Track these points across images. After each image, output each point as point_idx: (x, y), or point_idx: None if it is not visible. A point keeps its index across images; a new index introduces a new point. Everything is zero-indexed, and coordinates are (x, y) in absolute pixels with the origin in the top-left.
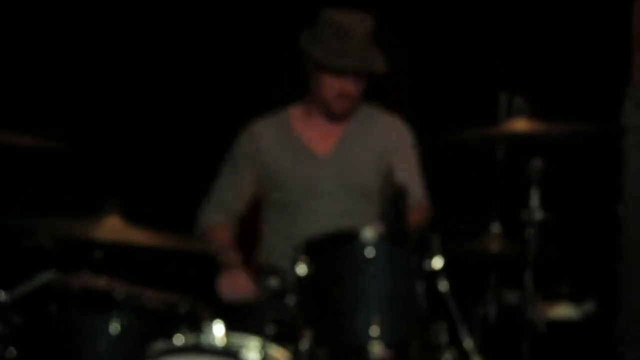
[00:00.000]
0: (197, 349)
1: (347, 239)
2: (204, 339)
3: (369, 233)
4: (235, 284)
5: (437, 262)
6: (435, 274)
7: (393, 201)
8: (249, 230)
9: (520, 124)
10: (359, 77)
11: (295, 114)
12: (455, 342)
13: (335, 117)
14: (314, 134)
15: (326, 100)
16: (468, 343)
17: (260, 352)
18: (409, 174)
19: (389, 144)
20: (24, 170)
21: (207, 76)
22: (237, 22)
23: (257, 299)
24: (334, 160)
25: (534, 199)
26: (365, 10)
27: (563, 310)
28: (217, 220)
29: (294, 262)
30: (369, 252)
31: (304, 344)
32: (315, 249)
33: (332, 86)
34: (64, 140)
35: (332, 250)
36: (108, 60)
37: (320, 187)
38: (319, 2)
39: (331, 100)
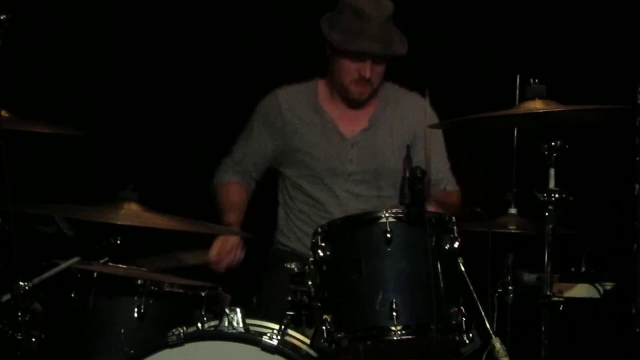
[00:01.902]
0: (218, 334)
1: (365, 222)
2: (224, 324)
3: (386, 215)
4: (222, 248)
5: (455, 243)
6: (453, 254)
7: (411, 182)
8: (266, 213)
9: (537, 106)
10: (378, 61)
11: (324, 90)
12: (474, 322)
13: (353, 102)
14: (341, 114)
15: (343, 85)
16: (486, 323)
17: (280, 337)
18: (437, 157)
19: (416, 126)
20: (43, 157)
21: (225, 61)
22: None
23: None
24: (361, 143)
25: (551, 179)
26: None
27: (581, 290)
28: (232, 179)
29: (312, 246)
30: (387, 234)
31: (324, 328)
32: (333, 232)
33: (350, 70)
34: (82, 127)
35: (350, 232)
36: (126, 48)
37: (345, 168)
38: None
39: (348, 84)
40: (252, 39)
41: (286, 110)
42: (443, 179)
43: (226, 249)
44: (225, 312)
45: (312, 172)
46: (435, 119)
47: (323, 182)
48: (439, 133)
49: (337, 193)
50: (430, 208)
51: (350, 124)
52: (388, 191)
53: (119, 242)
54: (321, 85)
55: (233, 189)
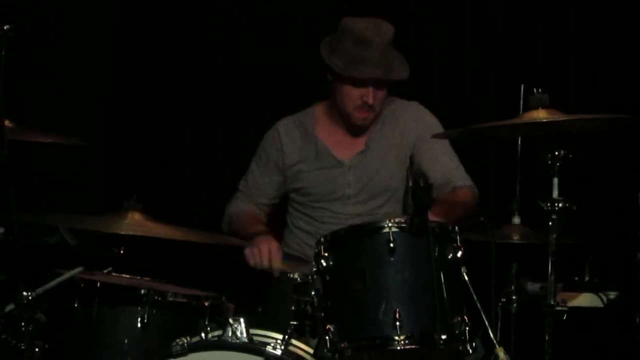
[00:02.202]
0: (221, 344)
1: (369, 231)
2: (227, 334)
3: (390, 224)
4: (261, 250)
5: (459, 252)
6: (457, 264)
7: (414, 192)
8: (271, 225)
9: (540, 115)
10: (380, 86)
11: (320, 116)
12: (478, 332)
13: (356, 128)
14: (338, 138)
15: (346, 111)
16: (490, 333)
17: (283, 347)
18: (442, 158)
19: (415, 137)
20: (46, 167)
21: (227, 69)
22: (258, 19)
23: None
24: (358, 165)
25: (555, 188)
26: (385, 8)
27: (584, 299)
28: (247, 208)
29: (315, 256)
30: (390, 244)
31: (327, 338)
32: (337, 242)
33: (352, 95)
34: (85, 137)
35: (354, 242)
36: (128, 58)
37: (342, 192)
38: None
39: (351, 110)
40: (255, 47)
41: (286, 145)
42: (450, 179)
43: (265, 252)
44: (229, 322)
45: (314, 199)
46: (434, 123)
47: (324, 206)
48: (443, 142)
49: (338, 215)
50: (434, 216)
51: (347, 148)
52: (391, 206)
53: (122, 252)
54: (317, 112)
55: (251, 214)
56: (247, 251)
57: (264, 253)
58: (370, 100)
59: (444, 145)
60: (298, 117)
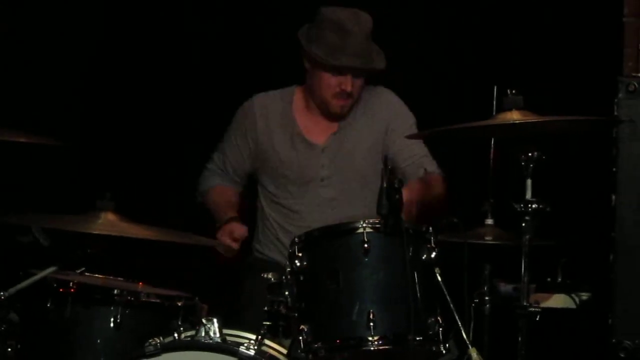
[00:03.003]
0: (194, 344)
1: (343, 232)
2: (200, 334)
3: (364, 225)
4: (231, 232)
5: (433, 253)
6: (431, 265)
7: (388, 193)
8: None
9: (514, 116)
10: (358, 75)
11: (298, 99)
12: (451, 332)
13: (334, 115)
14: (312, 122)
15: (324, 99)
16: (463, 333)
17: (257, 347)
18: (412, 146)
19: (387, 123)
20: (19, 167)
21: (203, 67)
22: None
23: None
24: (331, 147)
25: (528, 190)
26: (361, 6)
27: (557, 301)
28: (220, 182)
29: (289, 256)
30: (365, 244)
31: (301, 338)
32: (311, 242)
33: (331, 84)
34: (59, 136)
35: (328, 243)
36: (102, 57)
37: (315, 174)
38: None
39: (329, 98)
40: (229, 46)
41: (260, 118)
42: (422, 161)
43: (234, 235)
44: (202, 322)
45: (284, 180)
46: (407, 113)
47: (297, 189)
48: (411, 123)
49: (310, 199)
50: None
51: (320, 131)
52: (365, 193)
53: (95, 252)
54: (297, 94)
55: (225, 190)
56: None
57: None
58: (349, 88)
59: (412, 130)
60: (276, 94)
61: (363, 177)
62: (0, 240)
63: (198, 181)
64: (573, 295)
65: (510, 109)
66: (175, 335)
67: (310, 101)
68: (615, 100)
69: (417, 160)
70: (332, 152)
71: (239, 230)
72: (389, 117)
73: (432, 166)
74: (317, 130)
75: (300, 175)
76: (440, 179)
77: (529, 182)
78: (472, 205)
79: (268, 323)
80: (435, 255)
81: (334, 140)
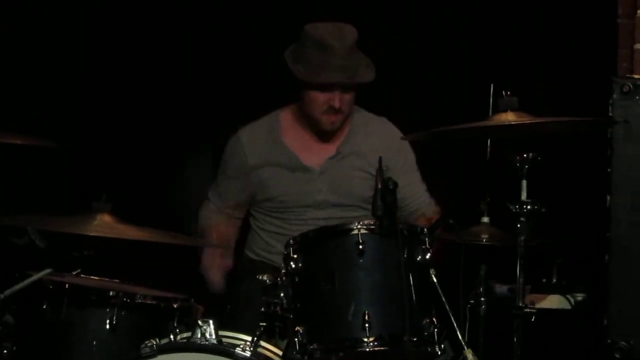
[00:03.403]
0: (190, 345)
1: (338, 233)
2: (196, 336)
3: (359, 226)
4: (211, 261)
5: (428, 254)
6: (425, 266)
7: (383, 194)
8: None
9: (509, 117)
10: (347, 90)
11: (286, 122)
12: (446, 333)
13: (325, 132)
14: (306, 144)
15: (314, 116)
16: (459, 334)
17: (252, 348)
18: (412, 184)
19: (390, 161)
20: (15, 169)
21: (200, 70)
22: (230, 21)
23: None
24: (329, 171)
25: (524, 190)
26: (355, 8)
27: (552, 301)
28: (217, 219)
29: (285, 257)
30: (359, 245)
31: (296, 340)
32: (305, 244)
33: (319, 101)
34: (55, 138)
35: (323, 244)
36: (100, 59)
37: (312, 198)
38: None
39: (319, 115)
40: (224, 52)
41: (249, 151)
42: (420, 205)
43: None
44: (198, 324)
45: (281, 206)
46: (406, 146)
47: (293, 214)
48: (411, 159)
49: (307, 220)
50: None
51: (316, 153)
52: (358, 214)
53: (91, 253)
54: (283, 117)
55: (222, 228)
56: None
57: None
58: (337, 104)
59: (414, 170)
60: (261, 124)
61: (360, 202)
62: None
63: (197, 214)
64: (568, 296)
65: (505, 110)
66: (171, 336)
67: (302, 121)
68: (610, 101)
69: (415, 205)
70: (329, 176)
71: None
72: (390, 152)
73: (429, 205)
74: (312, 154)
75: (296, 200)
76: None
77: (524, 182)
78: (467, 206)
79: (264, 324)
80: (430, 256)
81: (331, 164)
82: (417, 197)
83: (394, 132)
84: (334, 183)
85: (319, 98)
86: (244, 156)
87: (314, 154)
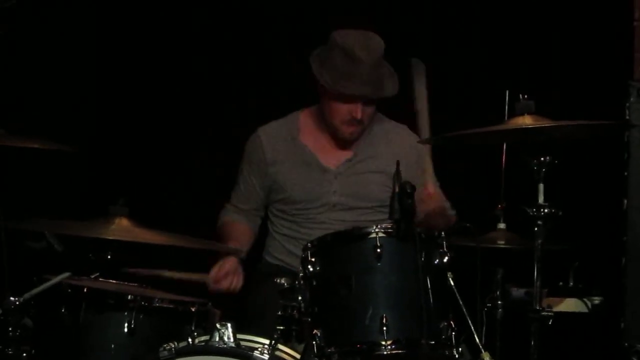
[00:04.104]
0: (208, 349)
1: (355, 237)
2: (214, 339)
3: (376, 230)
4: (220, 270)
5: (445, 258)
6: (443, 269)
7: (400, 197)
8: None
9: (526, 121)
10: (369, 103)
11: (305, 122)
12: (463, 337)
13: (343, 140)
14: (325, 146)
15: (334, 125)
16: (476, 338)
17: (270, 352)
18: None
19: (408, 163)
20: (32, 173)
21: (215, 73)
22: (247, 22)
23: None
24: (345, 173)
25: (540, 194)
26: (372, 15)
27: (569, 305)
28: (235, 218)
29: (302, 261)
30: (377, 249)
31: (314, 343)
32: (323, 248)
33: (341, 111)
34: (72, 142)
35: (340, 248)
36: (115, 63)
37: (327, 199)
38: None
39: (339, 124)
40: (242, 52)
41: (268, 149)
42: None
43: (224, 271)
44: (216, 327)
45: (297, 206)
46: (421, 148)
47: (308, 215)
48: (430, 164)
49: (321, 225)
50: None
51: (334, 155)
52: (373, 217)
53: (109, 257)
54: (302, 118)
55: (237, 227)
56: (211, 272)
57: (224, 277)
58: (359, 116)
59: (433, 177)
60: (280, 123)
61: (375, 205)
62: (14, 246)
63: (218, 218)
64: (585, 299)
65: (522, 114)
66: (189, 340)
67: (321, 124)
68: (627, 104)
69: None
70: (345, 178)
71: (227, 266)
72: (411, 158)
73: (448, 208)
74: (330, 155)
75: (311, 200)
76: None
77: (541, 186)
78: (484, 210)
79: (281, 328)
80: (448, 260)
81: (349, 166)
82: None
83: (414, 139)
84: (349, 185)
85: (342, 108)
86: (261, 152)
87: (332, 155)
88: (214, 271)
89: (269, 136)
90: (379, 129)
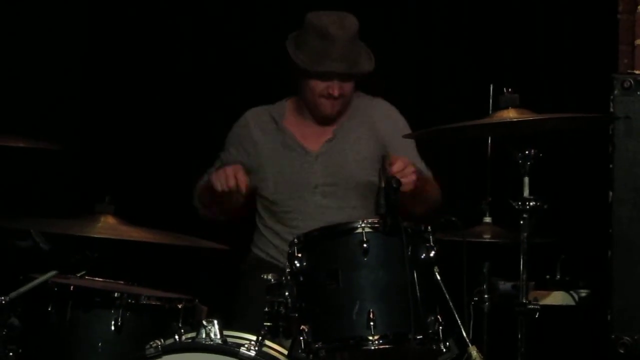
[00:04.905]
0: (195, 345)
1: (342, 232)
2: (201, 336)
3: (363, 225)
4: (227, 171)
5: (432, 252)
6: (430, 263)
7: (387, 192)
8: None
9: (510, 115)
10: (346, 79)
11: (290, 109)
12: (450, 331)
13: (325, 118)
14: (306, 129)
15: (314, 104)
16: (463, 332)
17: (257, 348)
18: (410, 157)
19: (385, 135)
20: (17, 171)
21: (202, 70)
22: (231, 18)
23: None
24: (326, 154)
25: (526, 187)
26: (356, 5)
27: (556, 298)
28: None
29: (289, 257)
30: (364, 244)
31: (301, 338)
32: (310, 242)
33: (318, 90)
34: (57, 140)
35: (327, 242)
36: (101, 59)
37: (309, 181)
38: None
39: (318, 103)
40: (225, 48)
41: (253, 130)
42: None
43: (231, 176)
44: (203, 324)
45: (279, 188)
46: (405, 125)
47: (291, 197)
48: (408, 131)
49: (304, 207)
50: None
51: (314, 137)
52: (355, 202)
53: (95, 255)
54: (289, 105)
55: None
56: (212, 176)
57: (229, 172)
58: (336, 93)
59: (412, 148)
60: (268, 108)
61: (357, 185)
62: (0, 245)
63: (191, 193)
64: (572, 292)
65: (506, 107)
66: (176, 337)
67: (303, 110)
68: (611, 97)
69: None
70: (326, 159)
71: (236, 167)
72: (388, 129)
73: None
74: (311, 137)
75: (293, 182)
76: (437, 187)
77: (526, 179)
78: (470, 203)
79: (268, 324)
80: (434, 254)
81: (329, 147)
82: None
83: (389, 109)
84: (330, 166)
85: (319, 86)
86: (247, 131)
87: (313, 138)
88: (216, 177)
89: (256, 117)
90: (355, 106)
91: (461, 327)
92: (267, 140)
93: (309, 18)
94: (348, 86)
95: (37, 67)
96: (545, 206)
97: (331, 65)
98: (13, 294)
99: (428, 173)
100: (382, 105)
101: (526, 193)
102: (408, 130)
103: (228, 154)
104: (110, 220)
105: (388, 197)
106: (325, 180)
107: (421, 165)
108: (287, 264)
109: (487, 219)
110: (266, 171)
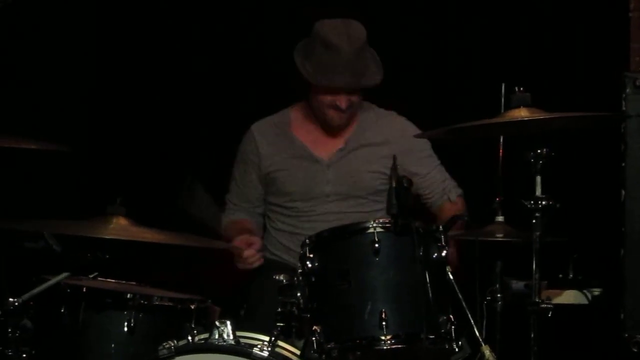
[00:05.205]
0: (208, 346)
1: (353, 232)
2: (214, 337)
3: (374, 225)
4: (247, 257)
5: (443, 252)
6: (442, 263)
7: (398, 192)
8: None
9: (522, 114)
10: (353, 91)
11: (296, 116)
12: (463, 330)
13: (332, 128)
14: (316, 137)
15: (322, 114)
16: (476, 331)
17: (270, 348)
18: (432, 172)
19: (401, 150)
20: (30, 173)
21: (209, 75)
22: (239, 21)
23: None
24: (337, 163)
25: (538, 186)
26: (367, 6)
27: (569, 297)
28: (239, 216)
29: (300, 257)
30: (375, 244)
31: (314, 339)
32: (321, 243)
33: (326, 102)
34: (68, 142)
35: (339, 243)
36: (111, 62)
37: (320, 190)
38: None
39: (326, 113)
40: (235, 51)
41: (261, 144)
42: (444, 189)
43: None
44: (216, 325)
45: (290, 198)
46: (422, 140)
47: (303, 206)
48: (426, 148)
49: (316, 216)
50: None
51: (325, 146)
52: (369, 208)
53: (107, 256)
54: (293, 113)
55: (243, 223)
56: (234, 250)
57: (250, 256)
58: (343, 106)
59: (431, 155)
60: (273, 119)
61: (368, 195)
62: (13, 247)
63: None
64: (585, 291)
65: (518, 107)
66: (189, 338)
67: (311, 117)
68: (623, 95)
69: (439, 189)
70: (337, 168)
71: (254, 240)
72: (404, 145)
73: (453, 192)
74: (322, 146)
75: (305, 191)
76: (462, 202)
77: (538, 178)
78: (482, 203)
79: (281, 324)
80: (446, 254)
81: (340, 156)
82: (439, 183)
83: (405, 124)
84: (342, 175)
85: (326, 98)
86: (255, 147)
87: (323, 147)
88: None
89: (262, 131)
90: (368, 116)
91: (474, 326)
92: (276, 150)
93: (316, 27)
94: (355, 98)
95: (49, 70)
96: (558, 205)
97: (337, 78)
98: (25, 296)
99: (458, 190)
100: (398, 119)
101: (538, 192)
102: (424, 145)
103: (240, 175)
104: (121, 221)
105: (399, 197)
106: (337, 189)
107: (450, 182)
108: (299, 264)
109: (500, 218)
110: (277, 181)
